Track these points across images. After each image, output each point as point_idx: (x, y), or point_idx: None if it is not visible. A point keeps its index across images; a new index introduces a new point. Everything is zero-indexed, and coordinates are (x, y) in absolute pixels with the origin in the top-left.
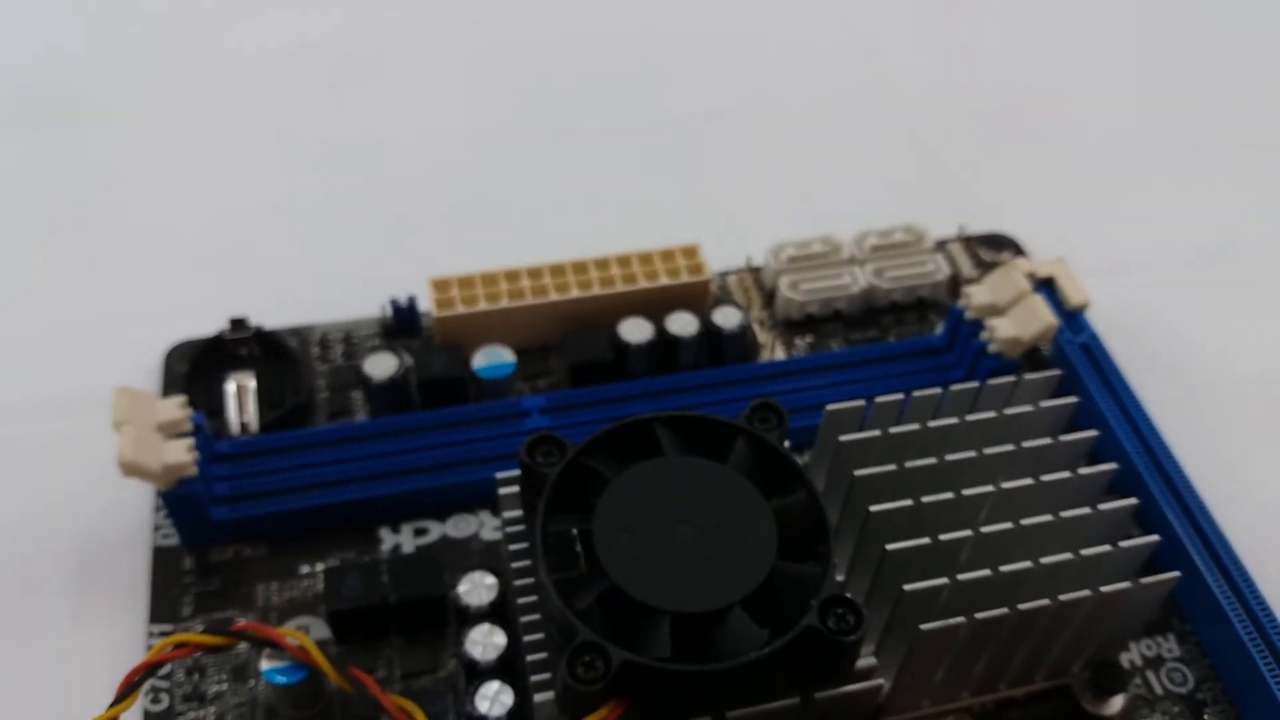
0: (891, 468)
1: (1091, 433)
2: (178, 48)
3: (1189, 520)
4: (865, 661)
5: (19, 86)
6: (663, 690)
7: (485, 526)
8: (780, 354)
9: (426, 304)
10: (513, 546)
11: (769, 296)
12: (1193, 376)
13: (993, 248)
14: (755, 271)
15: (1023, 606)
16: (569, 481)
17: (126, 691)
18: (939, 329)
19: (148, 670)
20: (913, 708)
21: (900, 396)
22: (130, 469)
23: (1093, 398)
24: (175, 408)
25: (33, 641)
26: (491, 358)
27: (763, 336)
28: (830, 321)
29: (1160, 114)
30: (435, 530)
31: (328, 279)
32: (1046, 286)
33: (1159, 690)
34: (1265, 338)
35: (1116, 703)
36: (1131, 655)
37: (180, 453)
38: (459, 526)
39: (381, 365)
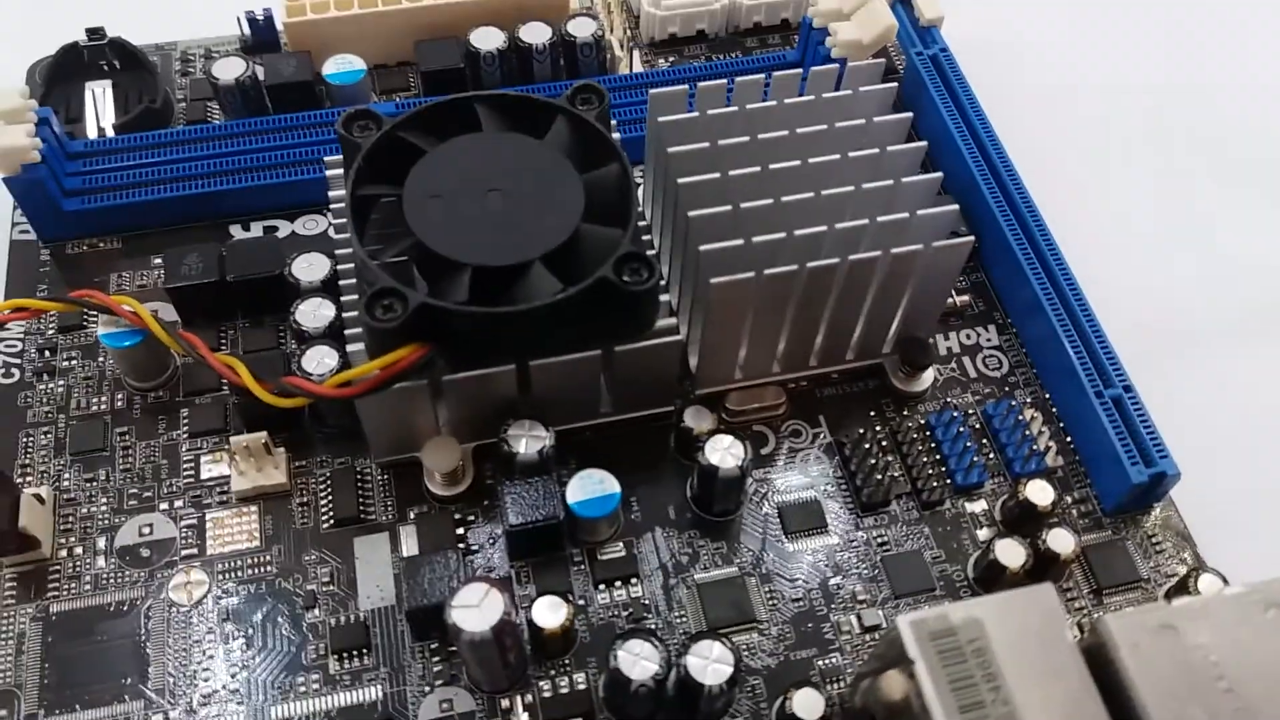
0: (705, 145)
1: (906, 115)
2: None
3: (1016, 220)
4: (665, 321)
5: None
6: (464, 336)
7: (334, 228)
8: (639, 69)
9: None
10: (336, 222)
11: (636, 19)
12: (1043, 104)
13: None
14: None
15: (812, 264)
16: (387, 155)
17: None
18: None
19: None
20: (725, 379)
21: (724, 82)
22: None
23: (936, 106)
24: (14, 95)
25: None
26: (341, 64)
27: (620, 53)
28: (695, 42)
29: None
30: (285, 228)
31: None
32: (903, 3)
33: (973, 374)
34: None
35: (925, 378)
36: (950, 343)
37: (19, 137)
38: (308, 225)
39: (229, 69)
